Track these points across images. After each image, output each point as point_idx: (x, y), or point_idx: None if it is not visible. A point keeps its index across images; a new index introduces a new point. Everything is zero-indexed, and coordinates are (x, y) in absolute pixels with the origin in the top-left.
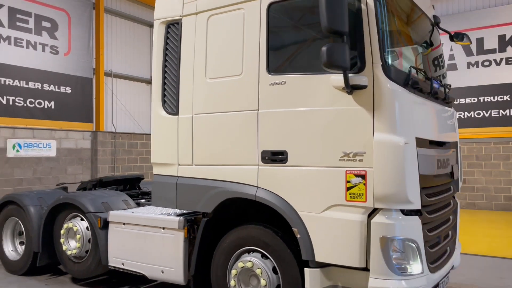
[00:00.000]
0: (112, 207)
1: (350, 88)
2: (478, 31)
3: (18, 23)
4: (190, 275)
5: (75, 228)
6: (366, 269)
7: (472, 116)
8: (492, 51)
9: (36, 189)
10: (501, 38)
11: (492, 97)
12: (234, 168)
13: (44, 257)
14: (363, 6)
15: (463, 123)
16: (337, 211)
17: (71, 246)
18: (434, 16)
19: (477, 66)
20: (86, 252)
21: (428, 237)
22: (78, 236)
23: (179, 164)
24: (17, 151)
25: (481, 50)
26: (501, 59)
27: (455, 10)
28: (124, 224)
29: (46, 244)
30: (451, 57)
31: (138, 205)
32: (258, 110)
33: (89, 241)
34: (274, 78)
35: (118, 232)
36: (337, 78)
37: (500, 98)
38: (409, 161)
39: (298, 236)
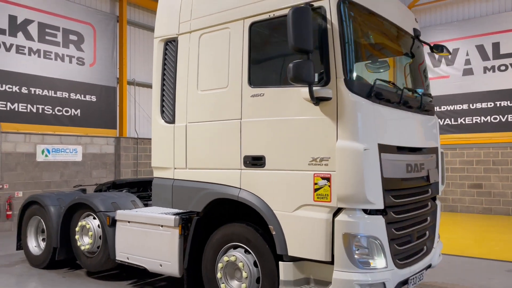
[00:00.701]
0: (120, 207)
1: (316, 100)
2: (494, 35)
3: (47, 37)
4: (184, 268)
5: (88, 226)
6: (333, 262)
7: (489, 121)
8: (509, 55)
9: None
10: None
11: (509, 102)
12: (221, 171)
13: (62, 252)
14: (328, 26)
15: (480, 127)
16: (306, 210)
17: (84, 242)
18: (414, 30)
19: (493, 71)
20: (98, 247)
21: (394, 235)
22: (90, 233)
23: (175, 168)
24: (46, 156)
25: (497, 55)
26: None
27: (471, 15)
28: (129, 222)
29: (64, 240)
30: (467, 62)
31: (146, 205)
32: (241, 119)
33: (100, 237)
34: (255, 90)
35: (124, 229)
36: (307, 91)
37: None
38: (369, 166)
39: (274, 233)
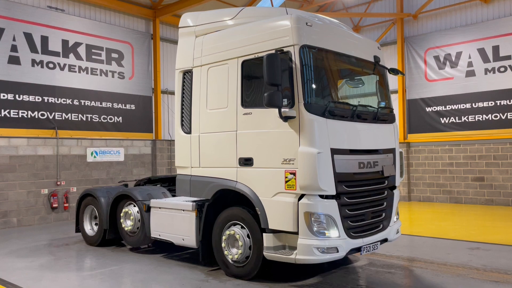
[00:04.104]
0: (154, 197)
1: (284, 118)
2: (494, 39)
3: (93, 56)
4: (199, 241)
5: (129, 212)
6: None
7: (490, 119)
8: (507, 57)
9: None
10: None
11: (508, 101)
12: (224, 169)
13: (111, 232)
14: (293, 65)
15: (482, 125)
16: (280, 196)
17: (127, 224)
18: (375, 56)
19: (494, 72)
20: (137, 228)
21: (347, 214)
22: (132, 217)
23: (192, 167)
24: (94, 157)
25: (497, 57)
26: None
27: (473, 21)
28: (160, 208)
29: (112, 223)
30: (470, 64)
31: (174, 196)
32: (236, 131)
33: (139, 220)
34: (245, 110)
35: (156, 213)
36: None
37: None
38: (322, 164)
39: (259, 212)
